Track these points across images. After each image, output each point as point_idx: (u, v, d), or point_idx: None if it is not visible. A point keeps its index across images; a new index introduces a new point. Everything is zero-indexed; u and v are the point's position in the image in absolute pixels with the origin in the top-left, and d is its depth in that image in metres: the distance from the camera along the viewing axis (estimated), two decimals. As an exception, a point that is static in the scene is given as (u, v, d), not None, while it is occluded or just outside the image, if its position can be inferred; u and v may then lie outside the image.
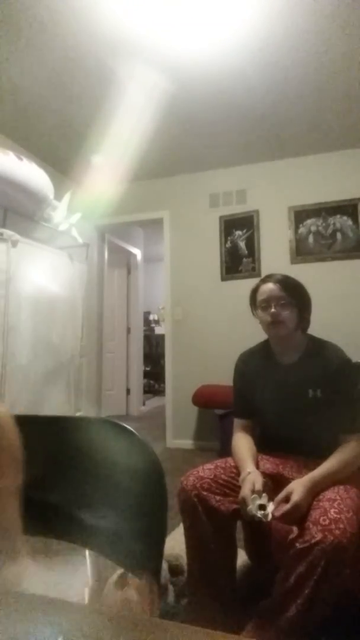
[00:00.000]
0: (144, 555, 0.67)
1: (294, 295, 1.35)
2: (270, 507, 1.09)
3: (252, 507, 1.09)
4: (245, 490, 1.14)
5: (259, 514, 1.08)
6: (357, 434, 1.24)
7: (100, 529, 0.74)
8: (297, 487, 1.11)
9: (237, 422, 1.48)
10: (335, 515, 1.01)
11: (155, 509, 0.68)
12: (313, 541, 0.98)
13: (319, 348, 1.37)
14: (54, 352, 2.54)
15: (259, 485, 1.14)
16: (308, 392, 1.30)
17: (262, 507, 1.09)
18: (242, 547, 1.49)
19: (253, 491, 1.13)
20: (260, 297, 1.38)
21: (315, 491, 1.12)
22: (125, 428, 0.72)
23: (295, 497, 1.08)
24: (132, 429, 0.72)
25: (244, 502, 1.13)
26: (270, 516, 1.08)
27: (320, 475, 1.15)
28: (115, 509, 0.72)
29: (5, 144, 3.09)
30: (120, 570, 1.28)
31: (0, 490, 0.58)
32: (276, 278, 1.38)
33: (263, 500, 1.10)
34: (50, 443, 0.69)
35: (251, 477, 1.18)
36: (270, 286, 1.37)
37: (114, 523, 0.72)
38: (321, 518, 1.01)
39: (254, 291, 1.43)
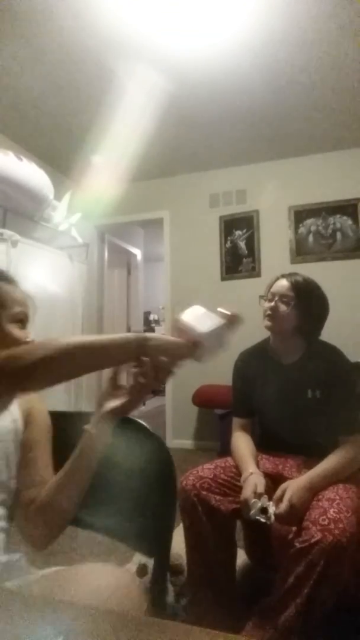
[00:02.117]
0: (154, 538, 0.74)
1: (301, 297, 1.34)
2: (272, 509, 1.09)
3: (254, 512, 1.09)
4: (248, 492, 1.14)
5: (262, 518, 1.08)
6: (355, 435, 1.24)
7: (113, 515, 0.78)
8: (292, 487, 1.11)
9: (237, 421, 1.48)
10: (334, 515, 1.01)
11: (165, 495, 0.74)
12: (312, 541, 0.98)
13: (319, 349, 1.37)
14: (54, 352, 2.53)
15: (261, 488, 1.14)
16: (307, 392, 1.30)
17: (264, 510, 1.09)
18: (242, 547, 1.49)
19: (255, 493, 1.13)
20: (272, 289, 1.40)
21: (312, 491, 1.12)
22: (135, 421, 0.79)
23: (288, 497, 1.08)
24: (142, 422, 0.80)
25: (246, 505, 1.13)
26: (272, 518, 1.08)
27: (317, 475, 1.15)
28: (127, 496, 0.77)
29: (5, 144, 3.09)
30: (140, 561, 1.34)
31: (37, 435, 0.78)
32: (294, 278, 1.38)
33: (264, 502, 1.10)
34: (68, 435, 0.76)
35: (253, 479, 1.18)
36: (283, 282, 1.38)
37: (126, 508, 0.77)
38: (320, 518, 1.01)
39: (271, 283, 1.44)
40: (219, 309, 0.76)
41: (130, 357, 0.64)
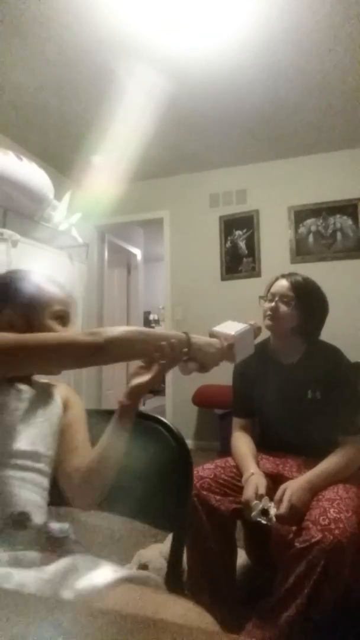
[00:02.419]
0: (173, 513, 0.85)
1: (302, 298, 1.34)
2: (273, 510, 1.09)
3: (256, 513, 1.10)
4: (249, 493, 1.14)
5: (264, 520, 1.09)
6: (355, 435, 1.24)
7: (136, 497, 0.89)
8: (292, 487, 1.11)
9: (237, 421, 1.48)
10: (335, 515, 1.01)
11: (182, 477, 0.86)
12: (313, 541, 0.98)
13: (320, 350, 1.37)
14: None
15: (262, 489, 1.14)
16: (307, 392, 1.30)
17: (265, 512, 1.09)
18: (242, 547, 1.49)
19: (256, 495, 1.13)
20: (271, 289, 1.40)
21: (312, 491, 1.12)
22: (154, 416, 0.95)
23: (288, 497, 1.08)
24: (158, 416, 0.95)
25: (247, 506, 1.13)
26: (274, 520, 1.08)
27: (317, 475, 1.15)
28: (148, 479, 0.90)
29: (5, 144, 3.09)
30: (140, 560, 1.38)
31: (75, 417, 0.92)
32: (293, 277, 1.38)
33: (265, 504, 1.10)
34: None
35: (254, 479, 1.18)
36: (283, 282, 1.38)
37: (148, 490, 0.89)
38: (321, 518, 1.01)
39: (270, 283, 1.44)
40: (248, 322, 0.92)
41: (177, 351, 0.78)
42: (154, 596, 0.66)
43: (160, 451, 0.88)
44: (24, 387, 0.86)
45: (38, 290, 0.88)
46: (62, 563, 0.69)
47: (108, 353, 0.72)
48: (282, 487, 1.13)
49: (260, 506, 1.10)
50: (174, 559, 0.85)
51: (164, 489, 0.87)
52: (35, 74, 2.51)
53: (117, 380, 5.10)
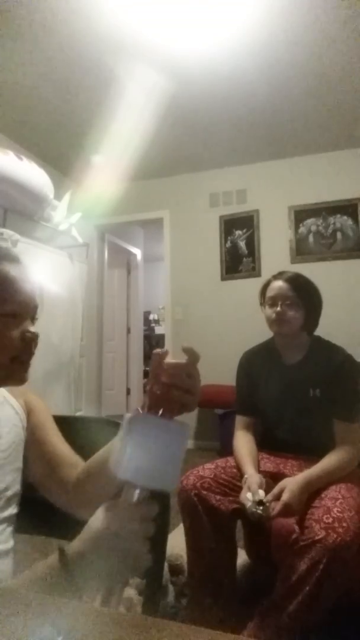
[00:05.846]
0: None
1: (303, 295, 1.34)
2: (266, 498, 1.10)
3: (250, 505, 1.10)
4: (243, 494, 1.15)
5: (259, 509, 1.09)
6: (350, 423, 1.24)
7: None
8: (289, 486, 1.11)
9: (240, 419, 1.48)
10: (338, 514, 1.01)
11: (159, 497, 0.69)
12: (316, 539, 0.98)
13: (323, 348, 1.37)
14: (54, 352, 2.54)
15: (255, 487, 1.15)
16: (309, 391, 1.30)
17: (261, 502, 1.10)
18: (242, 547, 1.48)
19: (250, 491, 1.14)
20: (269, 293, 1.39)
21: (308, 491, 1.12)
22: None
23: (285, 497, 1.08)
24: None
25: (244, 505, 1.14)
26: (270, 509, 1.08)
27: (316, 474, 1.15)
28: None
29: (5, 143, 3.08)
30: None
31: (44, 424, 0.79)
32: (288, 276, 1.38)
33: (257, 496, 1.11)
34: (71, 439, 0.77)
35: (249, 481, 1.19)
36: (280, 284, 1.37)
37: None
38: (324, 516, 1.01)
39: (265, 286, 1.43)
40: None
41: None
42: None
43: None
44: None
45: None
46: None
47: None
48: (279, 484, 1.13)
49: (252, 498, 1.11)
50: (150, 588, 0.72)
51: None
52: (35, 74, 2.51)
53: (117, 380, 5.11)
